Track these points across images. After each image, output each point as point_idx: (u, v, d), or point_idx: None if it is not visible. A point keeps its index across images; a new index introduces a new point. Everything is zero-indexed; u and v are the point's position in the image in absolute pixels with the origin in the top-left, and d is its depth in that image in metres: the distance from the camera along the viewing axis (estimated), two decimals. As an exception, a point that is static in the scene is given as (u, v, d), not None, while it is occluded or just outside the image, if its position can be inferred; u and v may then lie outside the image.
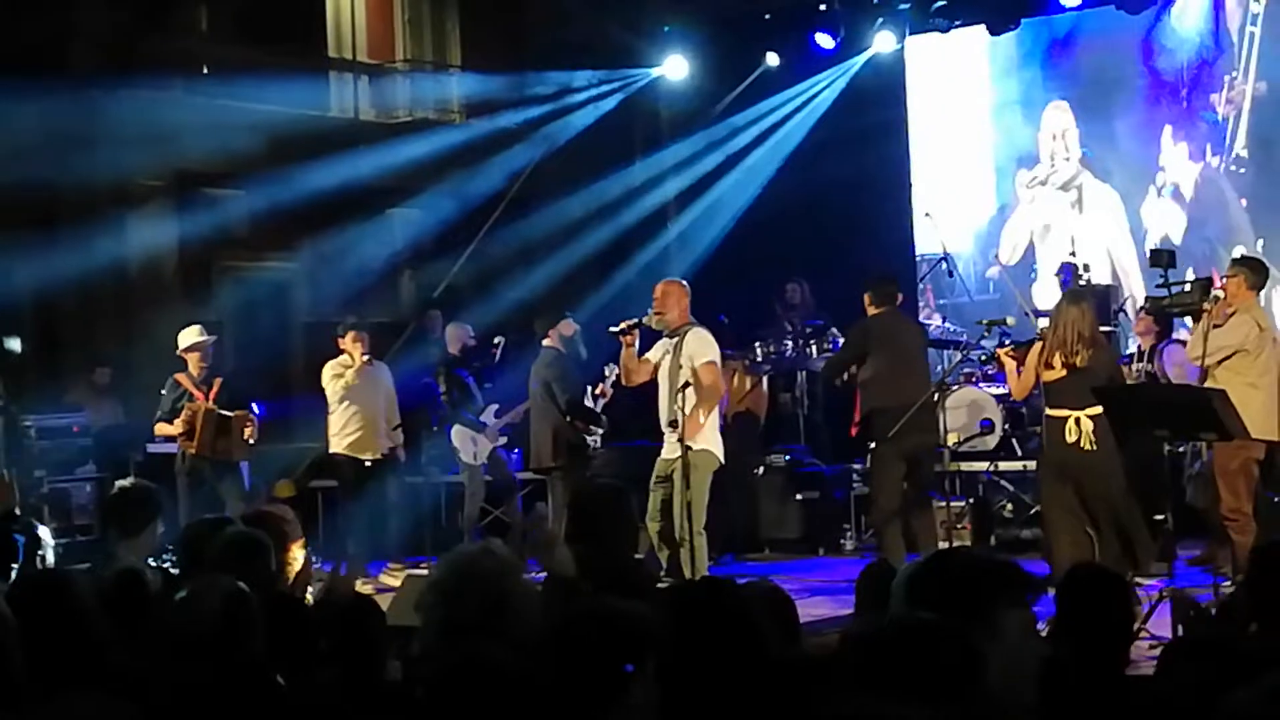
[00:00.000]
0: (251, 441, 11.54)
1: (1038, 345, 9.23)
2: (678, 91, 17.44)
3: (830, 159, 15.59)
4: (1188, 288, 9.71)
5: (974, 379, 13.28)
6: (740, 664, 3.03)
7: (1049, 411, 9.10)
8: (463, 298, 17.75)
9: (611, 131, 17.76)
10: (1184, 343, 10.79)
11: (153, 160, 17.32)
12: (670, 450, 9.47)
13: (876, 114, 16.06)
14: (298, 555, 5.50)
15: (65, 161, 17.39)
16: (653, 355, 9.72)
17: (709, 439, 9.49)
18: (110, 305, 17.14)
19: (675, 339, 9.60)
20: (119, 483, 7.30)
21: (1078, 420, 8.89)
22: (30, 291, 18.09)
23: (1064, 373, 8.98)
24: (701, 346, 9.55)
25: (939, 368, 14.74)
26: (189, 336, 11.70)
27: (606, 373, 11.63)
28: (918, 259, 15.84)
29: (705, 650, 3.25)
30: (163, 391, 11.76)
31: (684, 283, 9.97)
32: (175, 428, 11.36)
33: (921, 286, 15.57)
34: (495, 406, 12.56)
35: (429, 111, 19.65)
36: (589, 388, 11.92)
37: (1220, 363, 9.34)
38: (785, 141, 16.63)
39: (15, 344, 18.42)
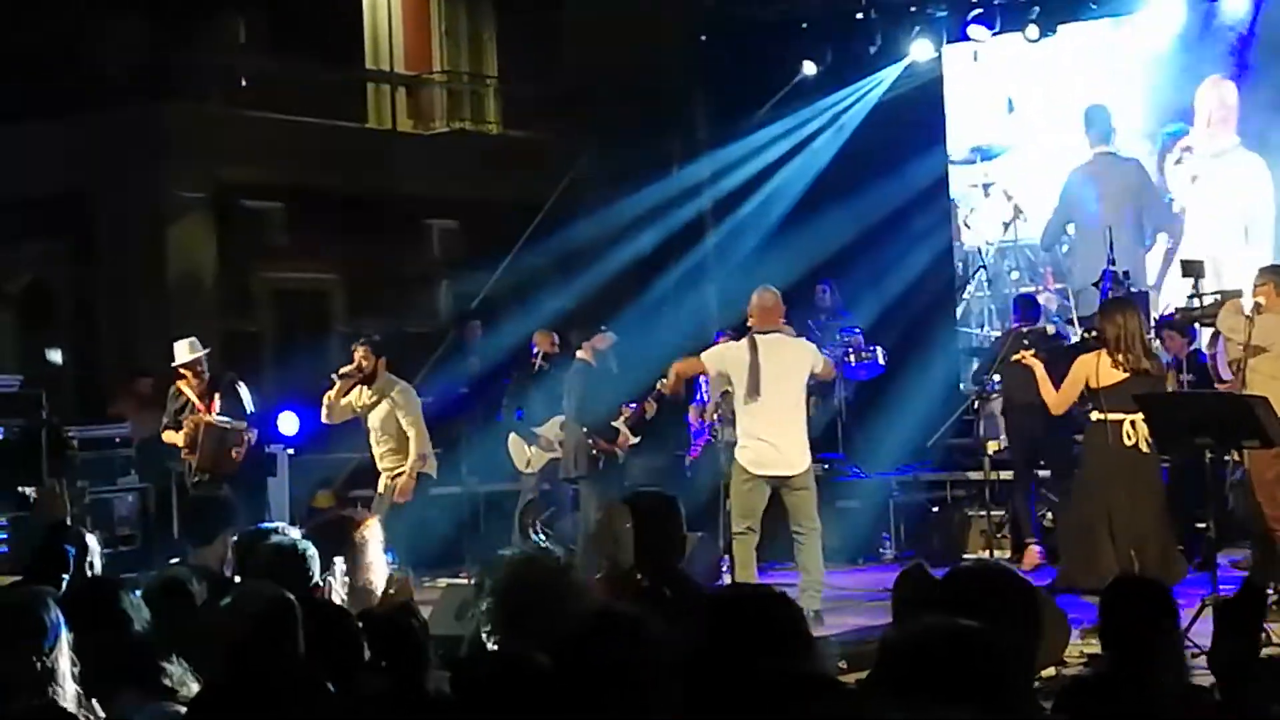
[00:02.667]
0: (237, 458, 11.35)
1: (1092, 356, 9.08)
2: (715, 100, 17.42)
3: (868, 167, 15.57)
4: (1219, 298, 9.64)
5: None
6: (773, 672, 3.03)
7: (1105, 416, 8.95)
8: (500, 308, 17.79)
9: (649, 141, 17.78)
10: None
11: (191, 173, 17.45)
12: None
13: (914, 120, 16.03)
14: (375, 562, 5.47)
15: (104, 174, 17.54)
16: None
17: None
18: (150, 317, 17.26)
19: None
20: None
21: (1133, 423, 8.82)
22: (71, 304, 18.25)
23: (1126, 376, 8.87)
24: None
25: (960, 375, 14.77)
26: (181, 353, 11.44)
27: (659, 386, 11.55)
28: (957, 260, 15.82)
29: (740, 658, 3.25)
30: (141, 391, 11.82)
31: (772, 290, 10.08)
32: (180, 438, 11.28)
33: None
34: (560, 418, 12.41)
35: (466, 122, 19.73)
36: (623, 404, 11.84)
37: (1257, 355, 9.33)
38: (822, 150, 16.60)
39: (56, 356, 18.58)
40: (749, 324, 9.80)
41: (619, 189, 17.36)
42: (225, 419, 11.30)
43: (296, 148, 17.74)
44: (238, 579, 5.81)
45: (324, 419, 11.60)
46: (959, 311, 15.68)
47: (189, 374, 11.38)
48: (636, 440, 11.67)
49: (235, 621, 4.14)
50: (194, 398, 11.28)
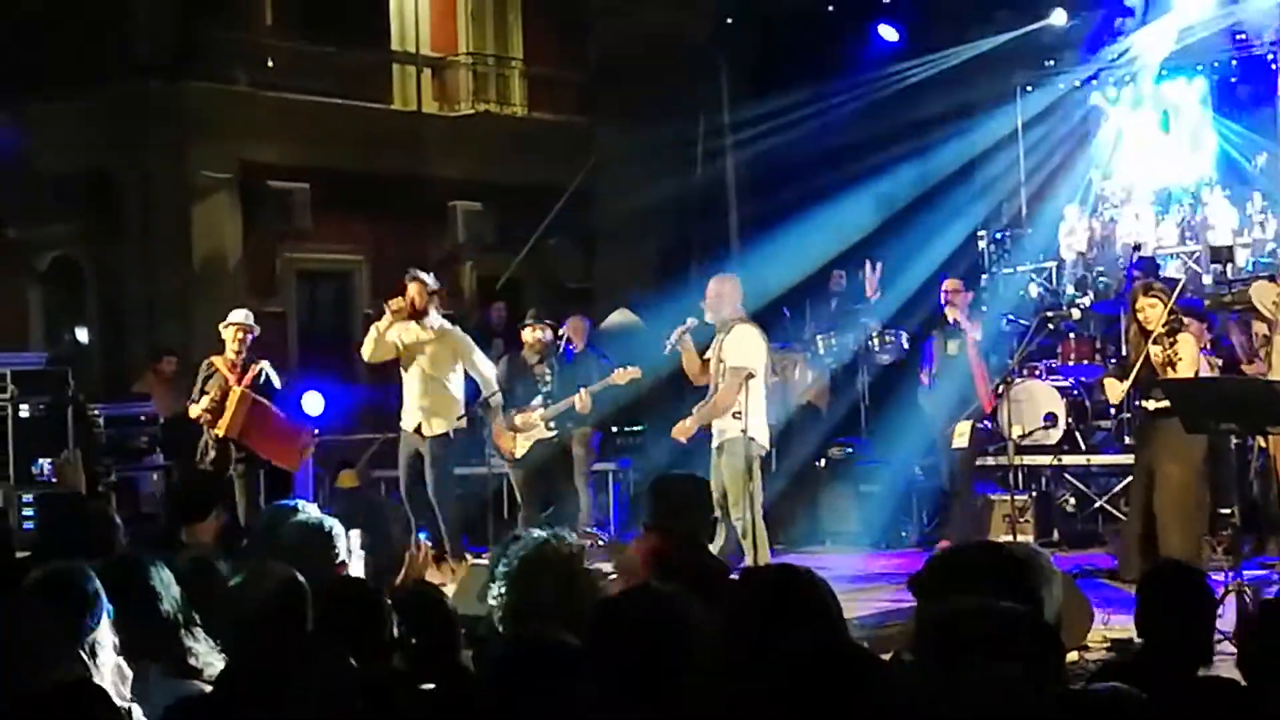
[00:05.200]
0: (303, 454, 11.37)
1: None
2: (740, 82, 17.39)
3: (896, 149, 15.56)
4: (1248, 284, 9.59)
5: (1037, 372, 13.21)
6: (813, 650, 3.04)
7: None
8: (525, 290, 17.82)
9: (674, 123, 17.76)
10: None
11: (217, 152, 17.48)
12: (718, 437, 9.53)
13: (944, 105, 16.01)
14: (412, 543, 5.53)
15: (130, 154, 17.58)
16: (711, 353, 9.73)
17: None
18: (175, 296, 17.30)
19: (722, 332, 9.58)
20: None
21: None
22: (97, 282, 18.30)
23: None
24: (737, 348, 9.54)
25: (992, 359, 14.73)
26: (234, 315, 11.17)
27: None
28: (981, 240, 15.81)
29: (778, 636, 3.26)
30: (166, 370, 11.66)
31: (734, 277, 9.95)
32: (202, 404, 10.83)
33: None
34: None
35: (491, 104, 19.72)
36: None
37: None
38: (849, 133, 16.57)
39: (82, 334, 18.64)
40: (732, 313, 9.66)
41: (644, 171, 17.35)
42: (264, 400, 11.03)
43: (322, 128, 17.76)
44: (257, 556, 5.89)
45: (367, 355, 11.18)
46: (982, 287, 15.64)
47: (230, 335, 10.99)
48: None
49: (244, 602, 4.16)
50: (224, 369, 10.96)
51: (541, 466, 11.54)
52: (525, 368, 11.70)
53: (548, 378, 11.50)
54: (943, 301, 11.96)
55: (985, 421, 11.82)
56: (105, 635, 4.00)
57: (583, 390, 11.00)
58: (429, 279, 11.11)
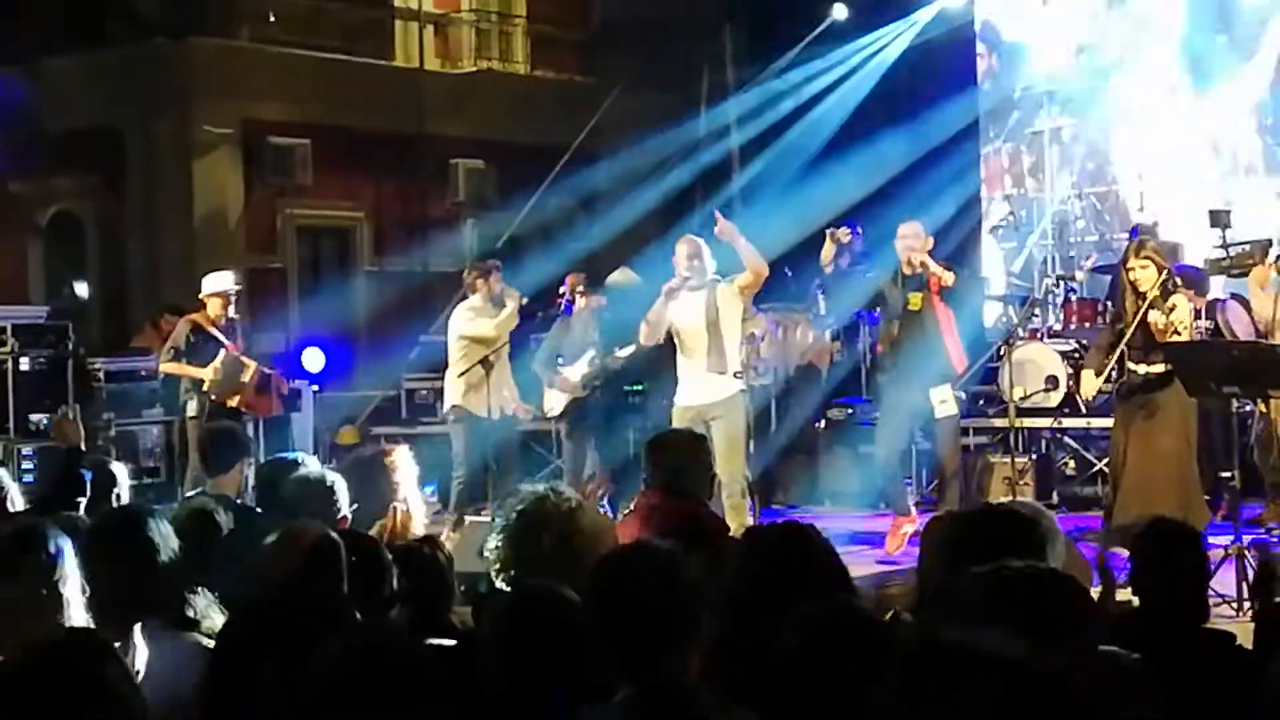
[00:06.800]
0: (284, 394, 11.50)
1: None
2: (743, 42, 17.32)
3: (897, 111, 15.50)
4: (1246, 248, 9.54)
5: (1039, 334, 13.20)
6: (823, 604, 3.04)
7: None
8: (525, 248, 17.78)
9: (677, 82, 17.70)
10: (1242, 300, 10.68)
11: (219, 108, 17.44)
12: (709, 396, 9.44)
13: (947, 65, 15.95)
14: (409, 496, 5.51)
15: (132, 110, 17.54)
16: (654, 316, 9.62)
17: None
18: (176, 251, 17.28)
19: (702, 290, 9.52)
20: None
21: None
22: (98, 237, 18.28)
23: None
24: (732, 292, 9.54)
25: (1002, 321, 14.69)
26: (218, 281, 11.21)
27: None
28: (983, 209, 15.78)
29: (788, 593, 3.25)
30: (167, 327, 11.78)
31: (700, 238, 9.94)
32: (207, 373, 10.84)
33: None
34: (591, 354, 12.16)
35: (494, 62, 19.65)
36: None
37: None
38: (851, 94, 16.52)
39: (82, 289, 18.63)
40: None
41: (646, 130, 17.29)
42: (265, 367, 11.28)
43: (324, 85, 17.71)
44: (259, 509, 5.89)
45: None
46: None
47: (214, 304, 11.06)
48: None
49: (279, 560, 4.14)
50: (219, 335, 11.00)
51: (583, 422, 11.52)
52: (569, 329, 11.72)
53: (593, 337, 11.46)
54: (897, 249, 10.05)
55: (960, 386, 10.58)
56: (72, 590, 3.98)
57: (618, 350, 10.96)
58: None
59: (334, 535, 4.20)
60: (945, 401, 9.90)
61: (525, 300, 11.37)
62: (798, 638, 2.87)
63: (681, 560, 3.34)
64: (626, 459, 10.81)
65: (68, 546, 4.01)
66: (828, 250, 10.37)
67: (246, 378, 10.99)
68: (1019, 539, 3.65)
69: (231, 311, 11.12)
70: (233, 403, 10.93)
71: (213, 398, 10.88)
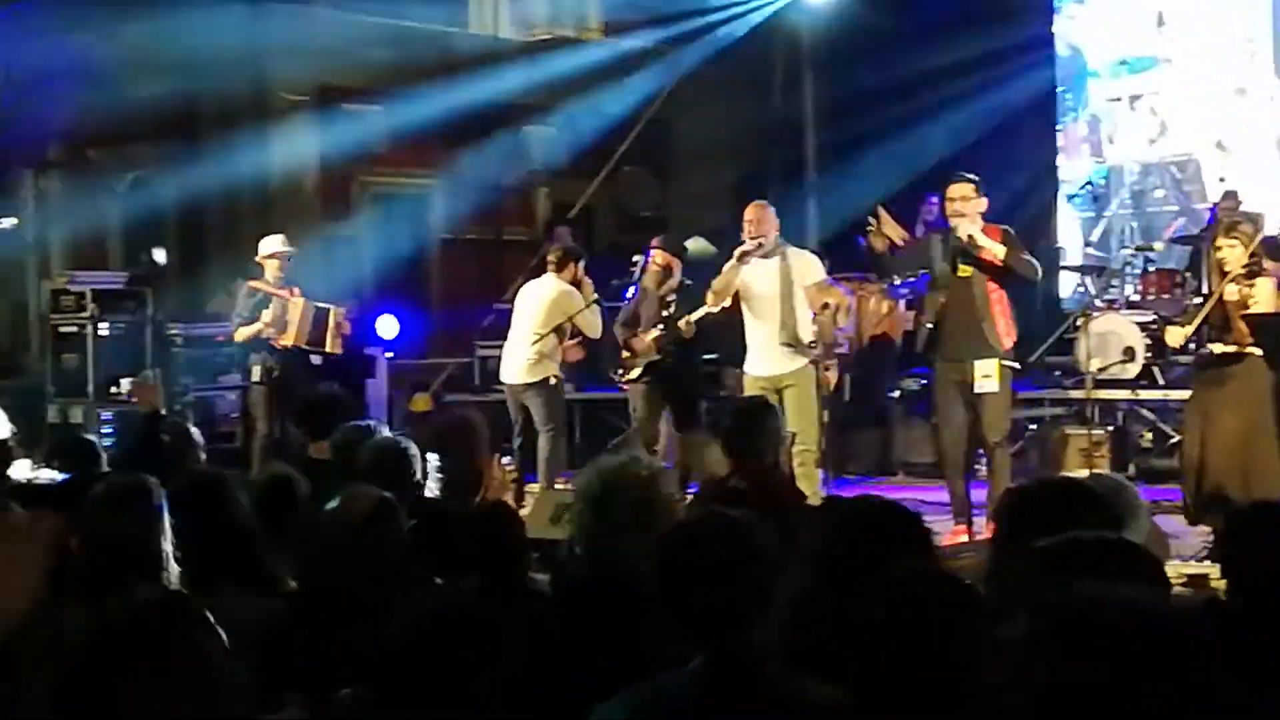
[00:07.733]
0: (346, 333, 11.68)
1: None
2: (821, 13, 17.17)
3: (972, 79, 15.36)
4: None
5: (1116, 305, 13.06)
6: (917, 576, 3.02)
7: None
8: (598, 217, 17.77)
9: (753, 53, 17.59)
10: None
11: (294, 74, 17.51)
12: (781, 366, 9.44)
13: (1022, 34, 15.78)
14: (492, 463, 5.56)
15: (208, 75, 17.62)
16: (723, 280, 9.63)
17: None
18: (252, 218, 17.37)
19: (774, 258, 9.55)
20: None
21: None
22: (174, 204, 18.42)
23: None
24: (812, 267, 9.53)
25: (1079, 292, 14.55)
26: (271, 244, 11.84)
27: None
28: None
29: (874, 562, 3.23)
30: (231, 296, 12.07)
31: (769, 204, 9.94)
32: (263, 320, 11.34)
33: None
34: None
35: (568, 29, 19.61)
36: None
37: None
38: (923, 62, 16.36)
39: (160, 255, 18.79)
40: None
41: (720, 97, 17.22)
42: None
43: (398, 51, 17.73)
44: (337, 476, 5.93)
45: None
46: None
47: (271, 266, 11.69)
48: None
49: (340, 523, 4.17)
50: (274, 291, 11.52)
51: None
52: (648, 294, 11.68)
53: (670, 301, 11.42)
54: (946, 214, 9.52)
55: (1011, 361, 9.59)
56: (168, 546, 4.03)
57: (687, 317, 10.92)
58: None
59: (391, 499, 4.22)
60: (989, 376, 9.35)
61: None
62: (884, 604, 2.85)
63: (753, 529, 3.33)
64: (699, 427, 10.82)
65: (164, 504, 4.07)
66: (879, 242, 10.12)
67: (295, 314, 11.39)
68: (1090, 511, 3.61)
69: (284, 273, 11.71)
70: (287, 340, 11.24)
71: (273, 342, 11.38)
